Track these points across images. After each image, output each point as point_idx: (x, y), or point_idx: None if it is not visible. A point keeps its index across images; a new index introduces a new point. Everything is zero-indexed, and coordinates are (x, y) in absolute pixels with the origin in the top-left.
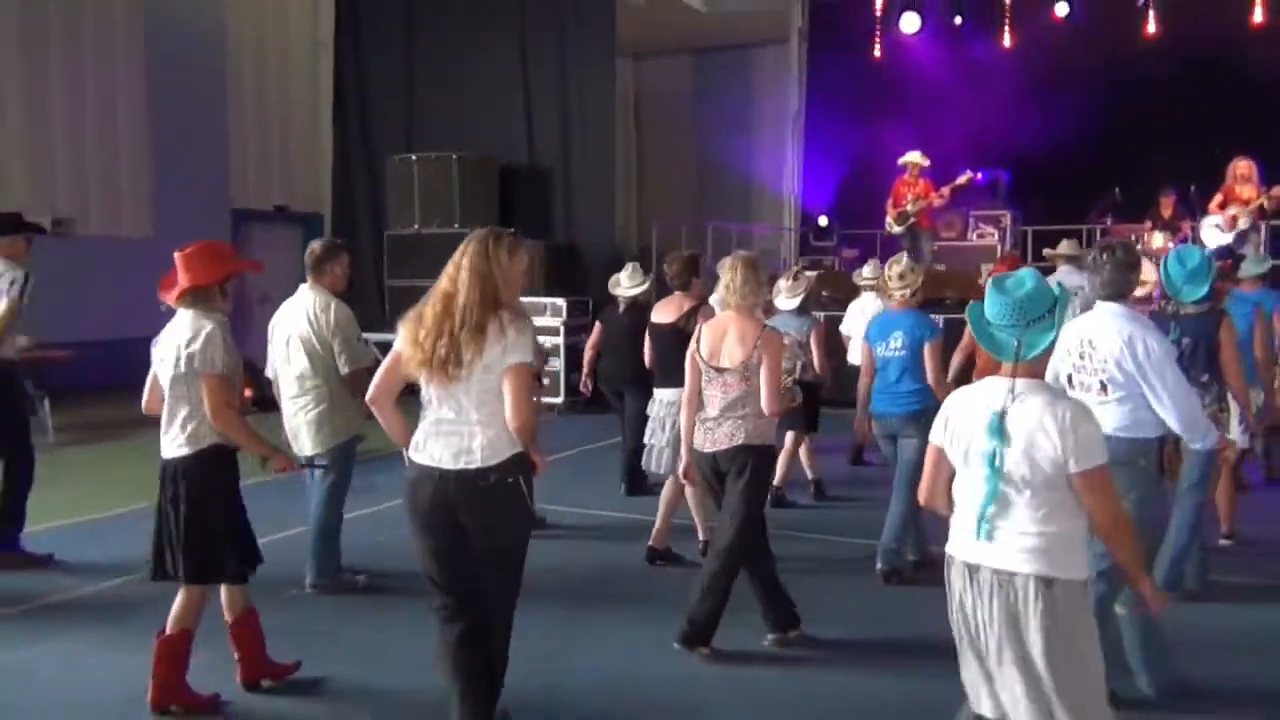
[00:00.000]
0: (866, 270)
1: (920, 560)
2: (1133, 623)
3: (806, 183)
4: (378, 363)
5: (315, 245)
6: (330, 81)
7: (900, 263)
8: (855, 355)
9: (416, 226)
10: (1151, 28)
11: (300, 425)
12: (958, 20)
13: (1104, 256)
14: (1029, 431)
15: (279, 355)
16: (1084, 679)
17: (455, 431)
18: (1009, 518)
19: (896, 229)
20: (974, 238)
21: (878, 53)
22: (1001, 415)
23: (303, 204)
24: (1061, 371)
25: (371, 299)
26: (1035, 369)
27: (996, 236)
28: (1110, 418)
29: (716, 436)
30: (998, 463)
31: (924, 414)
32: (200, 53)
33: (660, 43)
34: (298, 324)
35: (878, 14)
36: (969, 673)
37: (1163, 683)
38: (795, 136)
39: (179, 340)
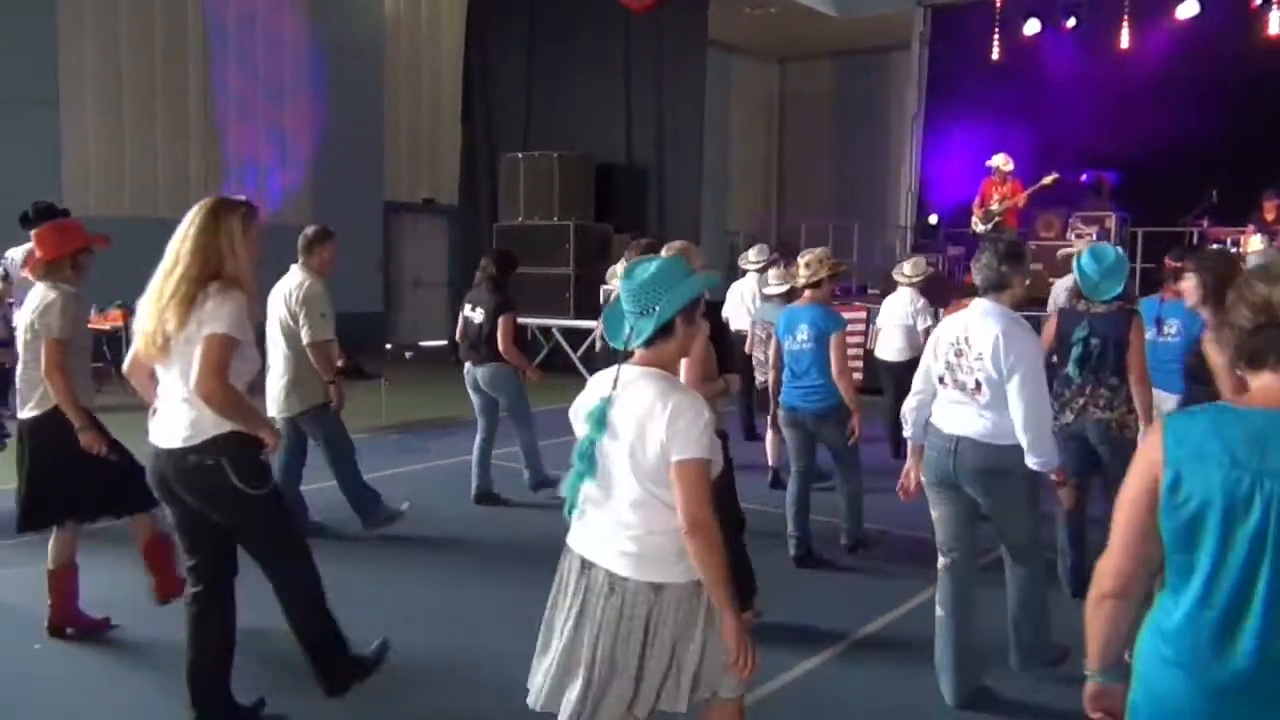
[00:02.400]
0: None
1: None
2: (944, 625)
3: (925, 183)
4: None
5: (307, 230)
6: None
7: (812, 252)
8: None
9: (521, 219)
10: (1273, 28)
11: (273, 392)
12: (1070, 23)
13: (985, 249)
14: (637, 419)
15: (270, 329)
16: None
17: (167, 409)
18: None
19: (981, 228)
20: (1072, 237)
21: (996, 55)
22: (607, 403)
23: (447, 197)
24: (934, 372)
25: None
26: (647, 357)
27: (1094, 237)
28: (983, 422)
29: None
30: (594, 451)
31: (835, 410)
32: (359, 60)
33: (803, 46)
34: (279, 301)
35: (997, 17)
36: None
37: (960, 691)
38: (914, 137)
39: (29, 308)
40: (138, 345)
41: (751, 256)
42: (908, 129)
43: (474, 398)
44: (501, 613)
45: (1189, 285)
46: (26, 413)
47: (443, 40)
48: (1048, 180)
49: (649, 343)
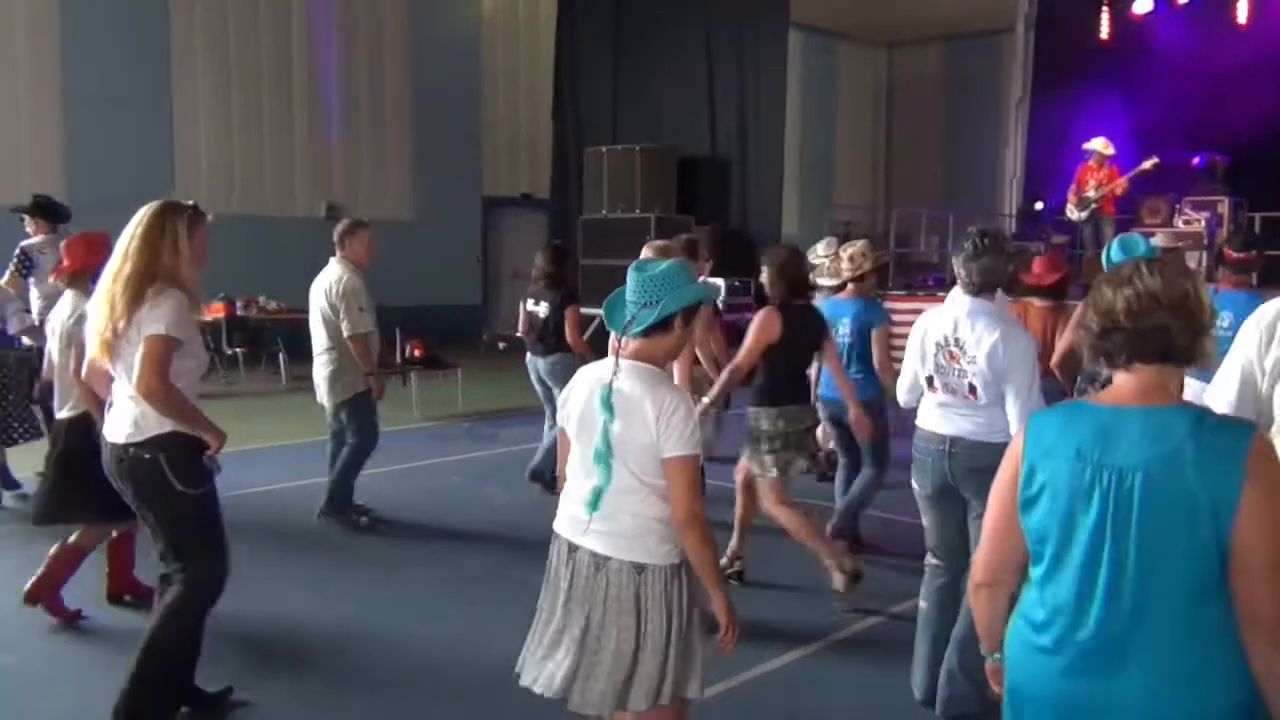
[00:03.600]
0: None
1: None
2: (924, 618)
3: (1030, 169)
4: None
5: (342, 223)
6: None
7: (854, 245)
8: None
9: (604, 211)
10: None
11: (318, 380)
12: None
13: (983, 243)
14: (628, 411)
15: (312, 320)
16: None
17: (117, 405)
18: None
19: (1077, 215)
20: (1180, 223)
21: (1105, 34)
22: (609, 390)
23: (543, 191)
24: (921, 373)
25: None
26: (641, 349)
27: (1204, 222)
28: (978, 421)
29: None
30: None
31: (868, 403)
32: (457, 58)
33: (910, 31)
34: (320, 294)
35: None
36: None
37: (931, 688)
38: (1020, 122)
39: (60, 317)
40: (91, 348)
41: (820, 250)
42: (1012, 113)
43: (538, 388)
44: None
45: None
46: (63, 413)
47: (540, 36)
48: (1147, 165)
49: (646, 334)
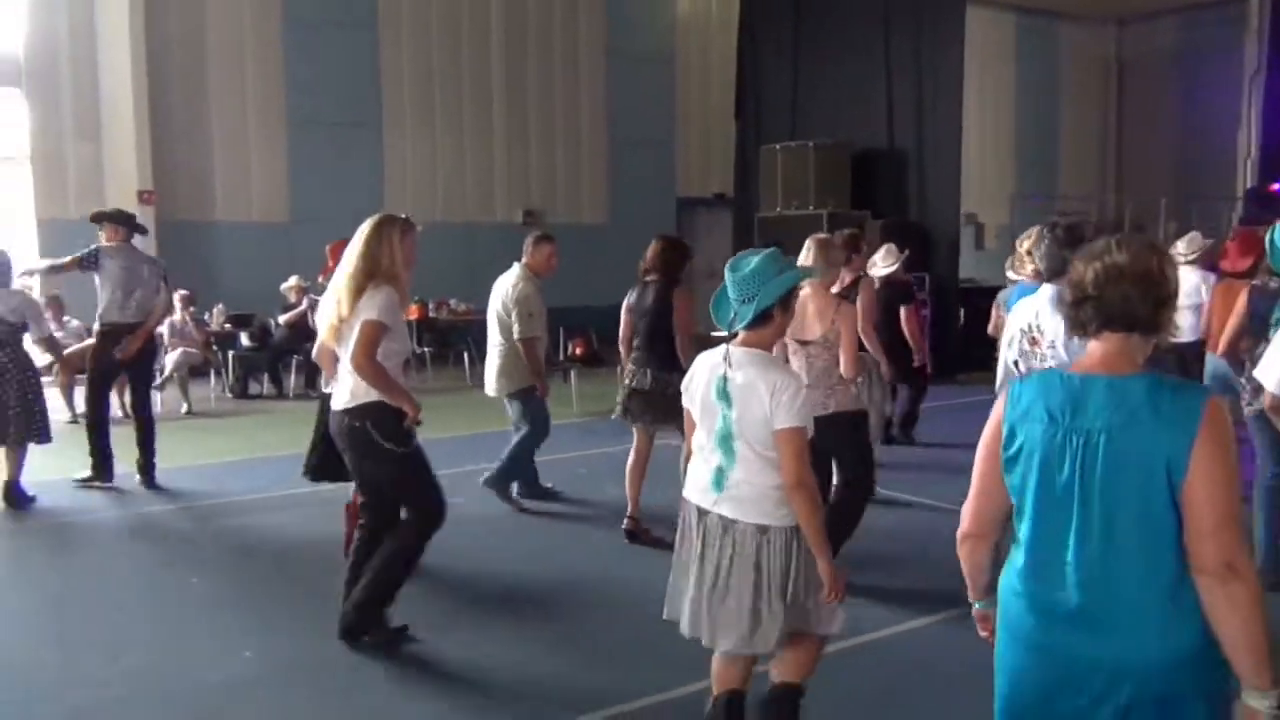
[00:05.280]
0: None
1: None
2: None
3: (1265, 147)
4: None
5: (532, 234)
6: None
7: (1030, 235)
8: None
9: (779, 209)
10: None
11: (488, 372)
12: None
13: (1045, 234)
14: (744, 392)
15: (489, 318)
16: None
17: (339, 379)
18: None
19: None
20: None
21: None
22: (724, 380)
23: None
24: (1009, 358)
25: None
26: (749, 338)
27: None
28: None
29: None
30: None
31: None
32: (653, 65)
33: (1142, 3)
34: (498, 295)
35: None
36: None
37: None
38: (1253, 97)
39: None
40: (322, 333)
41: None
42: (1246, 88)
43: None
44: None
45: None
46: (328, 388)
47: (732, 37)
48: None
49: (750, 326)
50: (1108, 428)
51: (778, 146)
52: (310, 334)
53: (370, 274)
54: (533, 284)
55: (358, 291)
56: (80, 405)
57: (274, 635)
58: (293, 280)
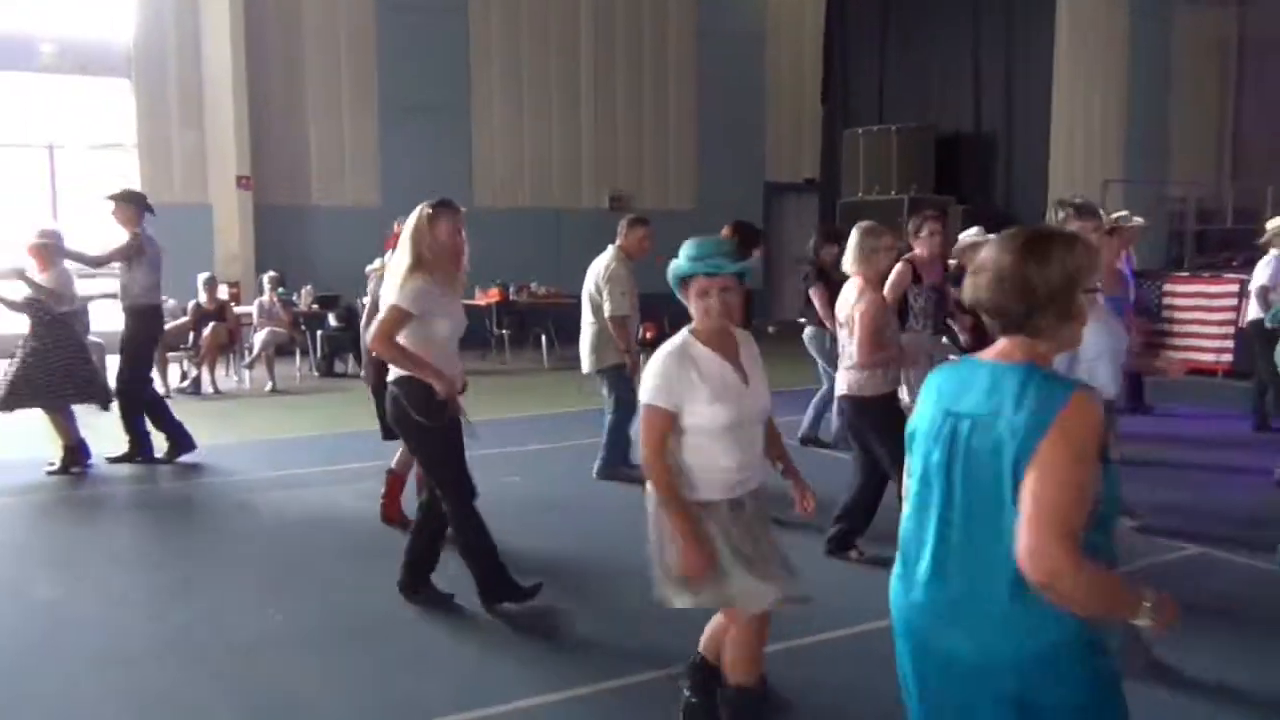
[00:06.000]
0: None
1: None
2: None
3: None
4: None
5: (626, 217)
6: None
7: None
8: None
9: (860, 194)
10: None
11: (582, 350)
12: None
13: (1057, 211)
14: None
15: (583, 297)
16: None
17: None
18: None
19: None
20: None
21: None
22: None
23: None
24: None
25: None
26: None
27: None
28: None
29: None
30: None
31: None
32: (743, 49)
33: None
34: (591, 276)
35: None
36: None
37: None
38: None
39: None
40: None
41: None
42: None
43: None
44: None
45: None
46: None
47: (823, 22)
48: None
49: None
50: (975, 415)
51: (860, 130)
52: None
53: (413, 266)
54: (625, 265)
55: (397, 278)
56: (173, 381)
57: (335, 594)
58: (376, 263)
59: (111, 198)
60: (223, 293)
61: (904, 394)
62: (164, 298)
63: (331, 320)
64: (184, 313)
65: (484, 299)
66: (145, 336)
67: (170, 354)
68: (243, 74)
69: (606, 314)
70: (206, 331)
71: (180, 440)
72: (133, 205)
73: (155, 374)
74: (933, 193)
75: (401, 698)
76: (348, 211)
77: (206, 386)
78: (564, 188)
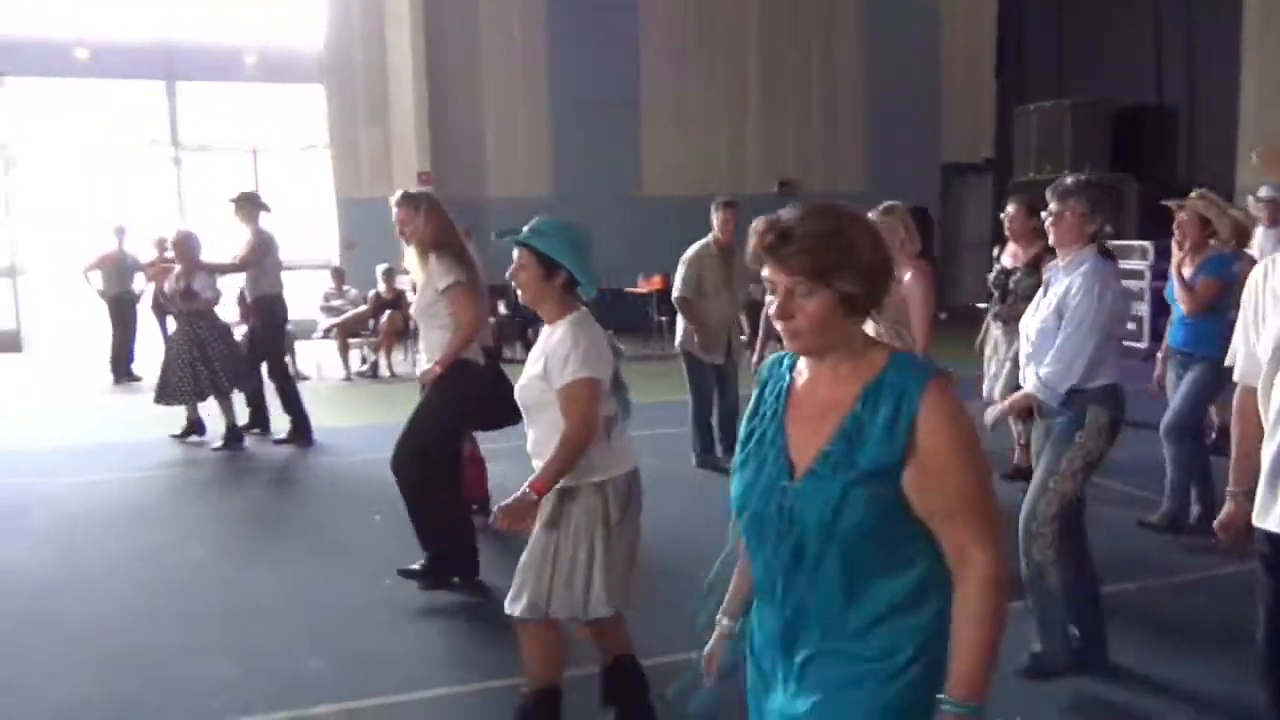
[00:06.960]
0: None
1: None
2: None
3: None
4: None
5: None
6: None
7: None
8: None
9: (1031, 173)
10: None
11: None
12: None
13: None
14: None
15: None
16: None
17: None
18: None
19: None
20: None
21: None
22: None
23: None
24: None
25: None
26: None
27: None
28: None
29: None
30: None
31: None
32: (915, 26)
33: None
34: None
35: None
36: None
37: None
38: None
39: None
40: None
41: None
42: None
43: None
44: None
45: None
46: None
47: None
48: None
49: None
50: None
51: (1032, 106)
52: None
53: (432, 244)
54: (708, 248)
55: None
56: (354, 365)
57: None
58: None
59: (232, 200)
60: (402, 282)
61: None
62: (347, 287)
63: (501, 308)
64: (364, 301)
65: (645, 286)
66: (275, 324)
67: (351, 340)
68: (423, 73)
69: (675, 293)
70: (384, 319)
71: (303, 427)
72: (251, 205)
73: (335, 357)
74: (1109, 170)
75: (495, 666)
76: (520, 204)
77: (384, 370)
78: (731, 174)
